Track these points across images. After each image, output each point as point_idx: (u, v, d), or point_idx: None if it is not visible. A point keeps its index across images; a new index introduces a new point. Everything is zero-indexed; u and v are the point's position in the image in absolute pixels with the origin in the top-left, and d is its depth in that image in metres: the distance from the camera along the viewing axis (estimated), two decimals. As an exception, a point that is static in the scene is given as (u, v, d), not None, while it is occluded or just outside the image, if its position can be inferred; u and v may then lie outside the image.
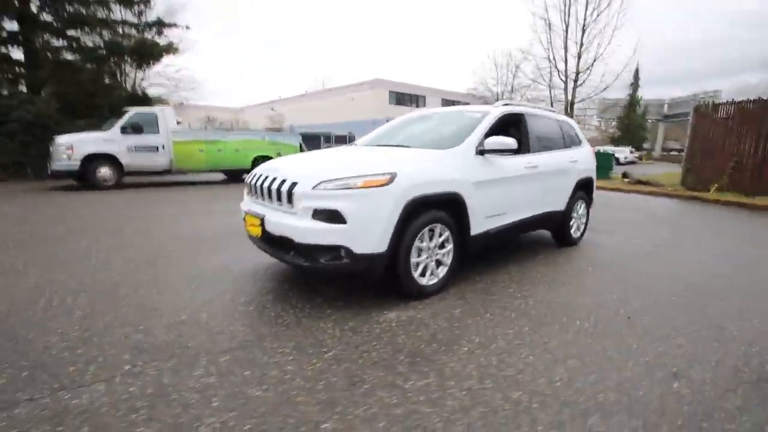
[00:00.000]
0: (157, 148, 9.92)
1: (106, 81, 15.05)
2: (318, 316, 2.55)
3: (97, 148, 9.09)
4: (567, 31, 16.88)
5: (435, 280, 2.93)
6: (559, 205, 4.27)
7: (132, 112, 9.80)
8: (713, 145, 11.22)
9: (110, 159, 9.24)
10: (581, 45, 16.85)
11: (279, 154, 12.77)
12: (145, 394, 1.71)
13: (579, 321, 2.60)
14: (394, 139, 3.85)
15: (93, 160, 9.01)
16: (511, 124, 3.85)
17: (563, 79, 17.74)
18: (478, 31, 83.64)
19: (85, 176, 9.01)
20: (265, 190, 2.86)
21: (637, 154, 34.37)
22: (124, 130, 9.45)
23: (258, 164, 12.47)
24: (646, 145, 48.28)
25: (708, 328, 2.56)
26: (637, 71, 41.18)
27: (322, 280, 3.17)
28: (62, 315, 2.47)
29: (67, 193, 8.37)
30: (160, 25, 15.39)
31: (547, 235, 4.72)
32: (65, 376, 1.82)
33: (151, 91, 17.43)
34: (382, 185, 2.53)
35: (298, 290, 2.98)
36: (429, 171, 2.84)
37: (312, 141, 18.29)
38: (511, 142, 3.17)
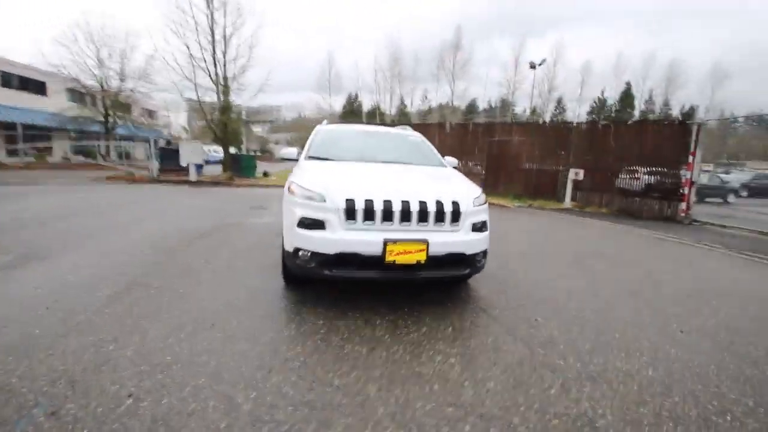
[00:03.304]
0: None
1: None
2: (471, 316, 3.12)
3: None
4: (213, 37, 17.16)
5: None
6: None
7: None
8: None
9: None
10: (225, 54, 17.80)
11: None
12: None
13: (529, 270, 4.70)
14: (360, 153, 4.00)
15: None
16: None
17: (214, 81, 18.02)
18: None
19: None
20: (415, 214, 2.79)
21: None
22: None
23: None
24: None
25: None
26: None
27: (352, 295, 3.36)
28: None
29: None
30: None
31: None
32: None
33: None
34: (486, 201, 3.39)
35: (395, 307, 3.13)
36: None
37: None
38: (455, 161, 4.61)
